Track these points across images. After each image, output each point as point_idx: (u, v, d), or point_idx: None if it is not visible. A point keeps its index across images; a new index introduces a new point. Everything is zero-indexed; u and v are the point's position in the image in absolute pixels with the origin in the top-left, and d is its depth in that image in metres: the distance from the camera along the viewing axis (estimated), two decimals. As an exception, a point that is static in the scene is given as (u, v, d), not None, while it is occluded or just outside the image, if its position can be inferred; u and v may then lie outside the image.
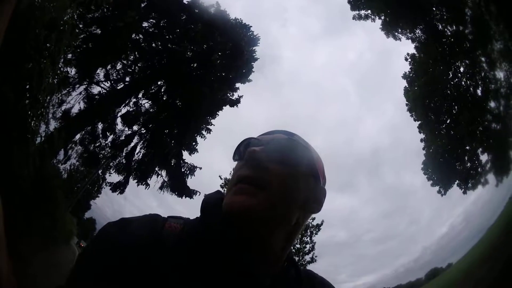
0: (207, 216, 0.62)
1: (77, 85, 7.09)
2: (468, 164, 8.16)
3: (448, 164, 8.74)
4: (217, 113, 10.84)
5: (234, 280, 0.54)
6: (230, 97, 10.88)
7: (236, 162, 0.69)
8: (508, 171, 7.22)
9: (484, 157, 7.96)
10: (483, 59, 7.78)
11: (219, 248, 0.56)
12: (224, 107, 10.72)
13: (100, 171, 9.12)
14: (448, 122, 8.93)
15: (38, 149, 4.42)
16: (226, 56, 10.77)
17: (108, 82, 8.74)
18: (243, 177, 0.62)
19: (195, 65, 10.28)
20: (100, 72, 8.12)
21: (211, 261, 0.55)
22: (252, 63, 11.61)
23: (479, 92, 7.70)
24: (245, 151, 0.66)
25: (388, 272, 10.10)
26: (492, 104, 7.28)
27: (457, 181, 8.61)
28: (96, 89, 8.07)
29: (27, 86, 3.76)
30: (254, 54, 11.57)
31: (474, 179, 7.86)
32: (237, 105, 10.91)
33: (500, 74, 7.47)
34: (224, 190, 0.72)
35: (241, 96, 10.72)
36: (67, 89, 6.51)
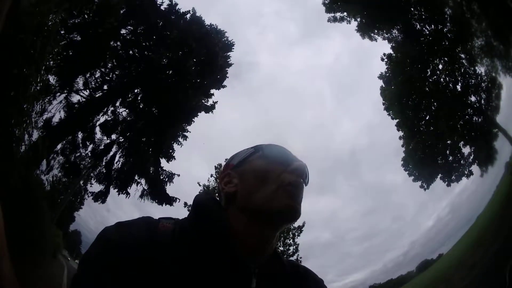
0: (210, 213, 0.68)
1: (58, 94, 7.01)
2: (450, 158, 8.46)
3: (429, 159, 9.02)
4: (193, 119, 10.87)
5: (228, 271, 0.61)
6: (205, 103, 10.95)
7: (266, 159, 0.74)
8: (493, 161, 7.57)
9: (466, 150, 8.35)
10: (462, 55, 8.16)
11: (218, 241, 0.63)
12: (199, 114, 10.78)
13: (81, 182, 8.97)
14: (427, 118, 9.27)
15: (23, 158, 4.35)
16: (200, 63, 10.82)
17: (87, 90, 8.76)
18: (294, 183, 0.71)
19: (170, 72, 10.29)
20: (80, 80, 8.07)
21: (206, 253, 0.61)
22: (227, 69, 11.73)
23: (459, 87, 7.94)
24: (291, 160, 0.75)
25: (377, 268, 10.32)
26: (473, 98, 7.64)
27: (440, 175, 8.95)
28: (75, 98, 7.99)
29: (12, 93, 3.73)
30: (229, 60, 11.65)
31: (458, 172, 8.18)
32: (212, 111, 10.95)
33: (481, 69, 7.82)
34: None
35: (216, 102, 10.71)
36: (48, 97, 6.39)
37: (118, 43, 9.21)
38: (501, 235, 6.07)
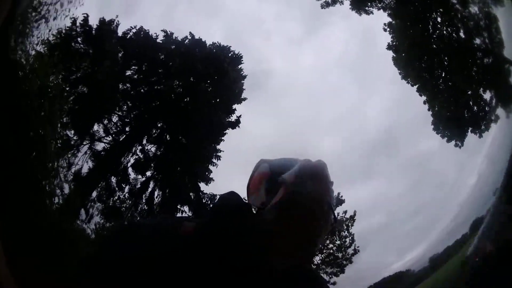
0: (238, 217, 0.79)
1: (80, 146, 7.52)
2: (475, 108, 8.11)
3: (456, 116, 8.73)
4: (222, 138, 11.12)
5: (249, 275, 0.72)
6: (229, 119, 11.17)
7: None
8: None
9: (487, 95, 7.89)
10: (454, 1, 7.92)
11: (245, 245, 0.75)
12: (225, 131, 11.00)
13: (125, 222, 9.46)
14: (443, 75, 8.99)
15: (57, 209, 4.78)
16: (212, 82, 11.15)
17: (109, 136, 9.19)
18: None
19: (186, 99, 10.69)
20: (99, 129, 8.56)
21: (228, 256, 0.72)
22: (242, 81, 11.94)
23: (462, 34, 7.73)
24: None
25: (433, 238, 9.85)
26: (477, 40, 7.37)
27: (470, 129, 8.60)
28: (100, 145, 8.47)
29: (34, 153, 4.16)
30: (242, 72, 11.90)
31: (485, 120, 7.83)
32: (238, 126, 11.18)
33: (474, 9, 7.55)
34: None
35: (240, 116, 11.10)
36: (72, 151, 6.90)
37: (128, 84, 9.78)
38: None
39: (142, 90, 9.26)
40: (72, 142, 7.29)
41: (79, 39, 5.90)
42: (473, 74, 7.27)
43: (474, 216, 8.09)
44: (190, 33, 9.25)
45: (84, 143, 7.85)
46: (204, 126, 9.75)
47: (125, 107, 9.14)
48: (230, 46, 10.15)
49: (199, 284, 0.71)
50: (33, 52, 4.02)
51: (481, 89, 7.49)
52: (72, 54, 5.12)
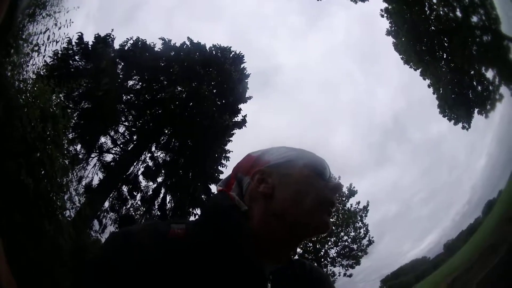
0: (223, 215, 0.69)
1: (89, 159, 7.94)
2: (479, 88, 8.02)
3: (462, 97, 8.65)
4: (229, 139, 11.36)
5: (242, 277, 0.63)
6: (234, 120, 11.33)
7: (316, 177, 0.76)
8: None
9: (489, 74, 7.80)
10: None
11: (231, 245, 0.64)
12: (233, 132, 11.20)
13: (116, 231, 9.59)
14: (444, 57, 8.91)
15: (71, 222, 5.01)
16: (215, 85, 11.30)
17: (117, 147, 9.59)
18: (333, 204, 0.76)
19: (190, 103, 10.87)
20: (107, 140, 9.02)
21: (219, 258, 0.62)
22: (246, 80, 12.03)
23: (458, 13, 7.63)
24: (331, 178, 0.80)
25: (447, 224, 9.81)
26: (474, 18, 7.25)
27: (476, 109, 8.50)
28: (108, 157, 9.06)
29: (42, 171, 4.39)
30: (245, 71, 11.99)
31: (490, 99, 7.74)
32: (245, 126, 11.29)
33: None
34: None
35: (245, 116, 10.96)
36: (81, 165, 7.28)
37: (131, 95, 9.85)
38: None
39: (145, 99, 9.52)
40: (80, 156, 7.49)
41: (76, 57, 6.18)
42: (474, 53, 7.23)
43: (486, 199, 7.99)
44: (188, 38, 9.28)
45: (93, 155, 8.04)
46: (210, 129, 10.01)
47: (131, 117, 9.38)
48: (231, 47, 10.08)
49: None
50: (33, 76, 4.25)
51: (483, 67, 7.46)
52: (71, 73, 5.38)
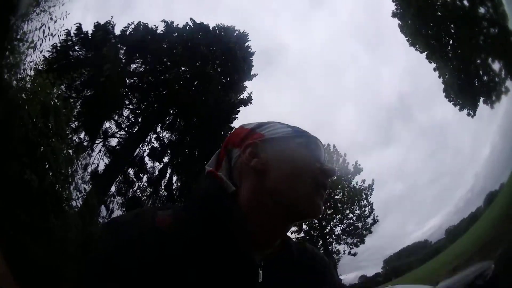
0: (216, 204, 0.64)
1: (94, 145, 8.04)
2: (485, 78, 7.89)
3: (467, 84, 8.50)
4: (235, 116, 11.33)
5: (231, 265, 0.61)
6: (240, 97, 11.30)
7: (310, 153, 0.73)
8: None
9: (496, 66, 7.65)
10: None
11: (220, 232, 0.61)
12: (238, 109, 11.18)
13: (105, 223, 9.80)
14: (451, 43, 8.71)
15: (77, 213, 5.12)
16: (220, 64, 11.20)
17: (122, 130, 9.94)
18: (326, 187, 0.73)
19: (195, 83, 10.82)
20: (112, 125, 9.09)
21: (207, 246, 0.60)
22: (251, 58, 11.90)
23: (465, 2, 7.42)
24: (324, 159, 0.77)
25: (450, 209, 9.85)
26: (482, 10, 7.07)
27: (481, 98, 8.38)
28: (114, 141, 9.10)
29: (47, 165, 4.45)
30: (250, 49, 11.83)
31: (495, 90, 7.61)
32: (251, 103, 11.29)
33: None
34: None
35: (251, 93, 10.73)
36: (85, 152, 7.37)
37: (134, 78, 10.41)
38: None
39: (149, 81, 9.50)
40: (85, 144, 7.52)
41: (76, 47, 6.11)
42: (481, 44, 7.05)
43: (488, 190, 7.98)
44: (191, 19, 9.11)
45: (97, 141, 8.10)
46: (215, 107, 10.02)
47: (135, 99, 9.39)
48: (235, 26, 9.91)
49: (186, 278, 0.57)
50: (32, 73, 4.23)
51: (490, 59, 7.29)
52: (71, 64, 5.34)
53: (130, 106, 9.55)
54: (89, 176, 7.15)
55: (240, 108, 10.87)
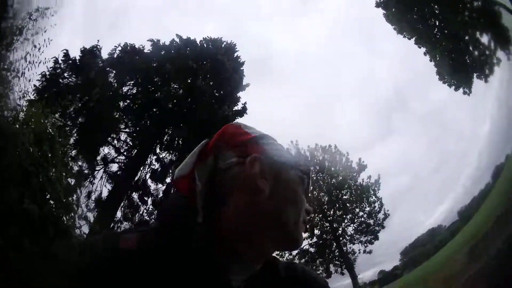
0: (179, 224, 0.61)
1: (95, 172, 7.96)
2: (476, 53, 7.92)
3: (459, 62, 8.54)
4: None
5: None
6: (234, 109, 11.27)
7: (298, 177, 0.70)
8: (510, 39, 6.98)
9: (484, 39, 7.70)
10: None
11: (201, 258, 0.58)
12: (234, 121, 11.04)
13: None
14: (437, 23, 8.77)
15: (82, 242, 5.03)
16: (210, 77, 11.22)
17: (122, 155, 9.63)
18: (307, 222, 0.71)
19: (188, 99, 10.82)
20: (110, 151, 9.01)
21: (185, 271, 0.56)
22: (242, 68, 11.93)
23: None
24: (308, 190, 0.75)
25: (459, 191, 9.82)
26: None
27: (475, 74, 8.41)
28: (114, 166, 9.01)
29: (47, 196, 4.39)
30: (239, 59, 11.87)
31: (487, 63, 7.64)
32: (245, 113, 11.23)
33: None
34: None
35: (245, 103, 10.99)
36: (87, 180, 7.31)
37: (127, 101, 9.82)
38: None
39: (142, 102, 9.44)
40: (86, 172, 7.47)
41: (65, 74, 6.10)
42: (467, 19, 7.09)
43: (493, 164, 7.95)
44: (177, 35, 9.15)
45: (98, 168, 8.04)
46: (210, 122, 9.94)
47: (130, 122, 9.35)
48: (222, 37, 9.97)
49: None
50: (23, 102, 4.21)
51: (478, 32, 7.32)
52: (62, 91, 5.34)
53: (127, 130, 9.53)
54: (93, 204, 7.11)
55: (237, 120, 10.83)
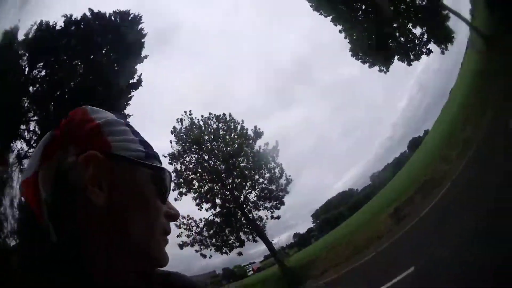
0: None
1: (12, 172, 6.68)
2: (402, 39, 8.94)
3: (379, 44, 9.26)
4: (127, 103, 10.32)
5: None
6: (132, 81, 10.60)
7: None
8: (451, 40, 8.19)
9: (417, 31, 8.71)
10: None
11: None
12: (130, 94, 10.47)
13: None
14: (363, 8, 9.33)
15: None
16: (111, 49, 10.31)
17: (33, 147, 8.18)
18: (170, 232, 0.55)
19: (89, 76, 9.79)
20: (22, 145, 7.59)
21: None
22: (142, 40, 11.23)
23: None
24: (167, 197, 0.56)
25: (371, 157, 11.04)
26: None
27: (396, 57, 9.33)
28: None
29: None
30: (142, 31, 11.18)
31: (415, 51, 8.76)
32: (141, 85, 10.49)
33: None
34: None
35: (141, 75, 10.47)
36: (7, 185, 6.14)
37: (37, 85, 8.90)
38: (488, 106, 6.34)
39: (48, 85, 8.35)
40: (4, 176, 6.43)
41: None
42: (401, 11, 7.76)
43: (410, 136, 9.20)
44: (90, 9, 8.26)
45: (14, 168, 6.99)
46: (107, 96, 9.41)
47: (37, 108, 8.18)
48: (130, 10, 9.39)
49: None
50: None
51: (410, 24, 8.17)
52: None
53: (35, 118, 8.08)
54: (17, 211, 5.94)
55: (132, 93, 10.30)
